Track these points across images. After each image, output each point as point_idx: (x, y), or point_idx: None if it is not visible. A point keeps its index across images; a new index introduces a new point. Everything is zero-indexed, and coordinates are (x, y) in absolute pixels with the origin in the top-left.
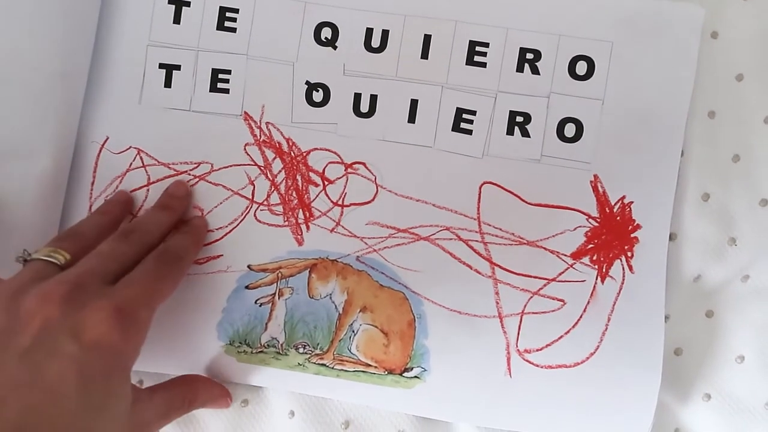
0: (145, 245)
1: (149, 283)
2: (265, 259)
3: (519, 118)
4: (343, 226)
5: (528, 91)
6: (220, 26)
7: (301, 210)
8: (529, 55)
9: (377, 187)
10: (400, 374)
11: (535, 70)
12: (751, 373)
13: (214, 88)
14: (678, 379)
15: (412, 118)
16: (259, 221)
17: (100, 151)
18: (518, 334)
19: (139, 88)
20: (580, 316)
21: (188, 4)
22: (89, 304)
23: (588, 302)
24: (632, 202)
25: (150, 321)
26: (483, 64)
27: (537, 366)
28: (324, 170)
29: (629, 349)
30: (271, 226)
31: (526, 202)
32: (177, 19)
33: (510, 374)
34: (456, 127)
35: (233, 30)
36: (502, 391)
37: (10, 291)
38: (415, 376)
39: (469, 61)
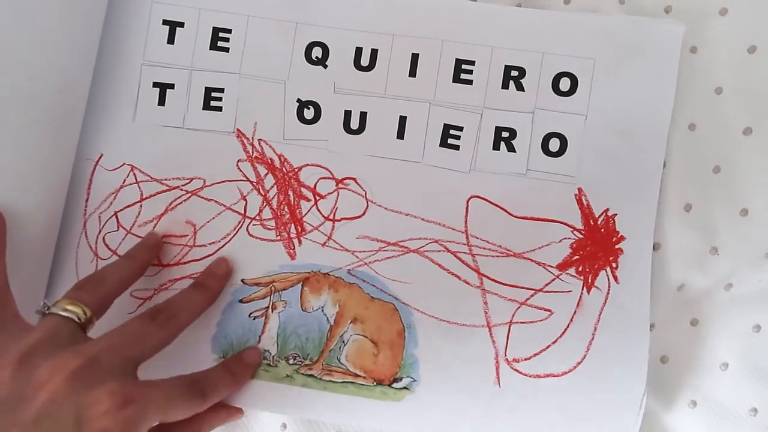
0: (173, 329)
1: (172, 400)
2: (258, 273)
3: (505, 134)
4: (334, 240)
5: (513, 108)
6: (214, 46)
7: (293, 224)
8: (514, 73)
9: (367, 202)
10: (389, 385)
11: (519, 87)
12: (735, 380)
13: (207, 106)
14: (664, 386)
15: (400, 135)
16: (252, 236)
17: (95, 168)
18: (507, 343)
19: (134, 106)
20: (567, 326)
21: (182, 25)
22: (99, 386)
23: (575, 312)
24: (616, 214)
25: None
26: (469, 82)
27: (525, 375)
28: (315, 186)
29: (616, 358)
30: (264, 241)
31: (513, 215)
32: (171, 39)
33: (499, 383)
34: (444, 143)
35: (226, 50)
36: (491, 400)
37: (22, 352)
38: (405, 387)
39: (456, 79)
